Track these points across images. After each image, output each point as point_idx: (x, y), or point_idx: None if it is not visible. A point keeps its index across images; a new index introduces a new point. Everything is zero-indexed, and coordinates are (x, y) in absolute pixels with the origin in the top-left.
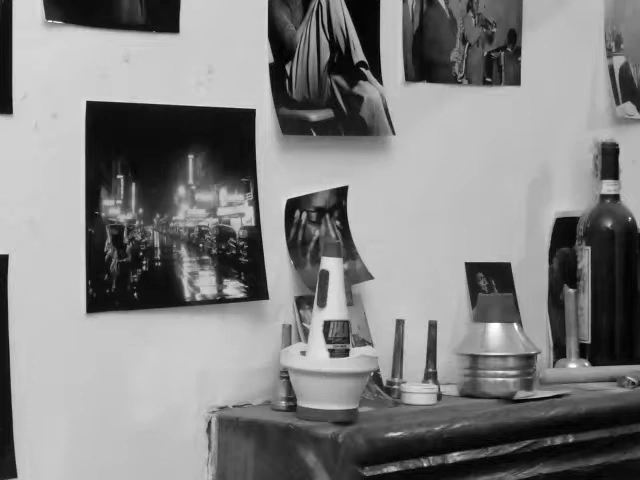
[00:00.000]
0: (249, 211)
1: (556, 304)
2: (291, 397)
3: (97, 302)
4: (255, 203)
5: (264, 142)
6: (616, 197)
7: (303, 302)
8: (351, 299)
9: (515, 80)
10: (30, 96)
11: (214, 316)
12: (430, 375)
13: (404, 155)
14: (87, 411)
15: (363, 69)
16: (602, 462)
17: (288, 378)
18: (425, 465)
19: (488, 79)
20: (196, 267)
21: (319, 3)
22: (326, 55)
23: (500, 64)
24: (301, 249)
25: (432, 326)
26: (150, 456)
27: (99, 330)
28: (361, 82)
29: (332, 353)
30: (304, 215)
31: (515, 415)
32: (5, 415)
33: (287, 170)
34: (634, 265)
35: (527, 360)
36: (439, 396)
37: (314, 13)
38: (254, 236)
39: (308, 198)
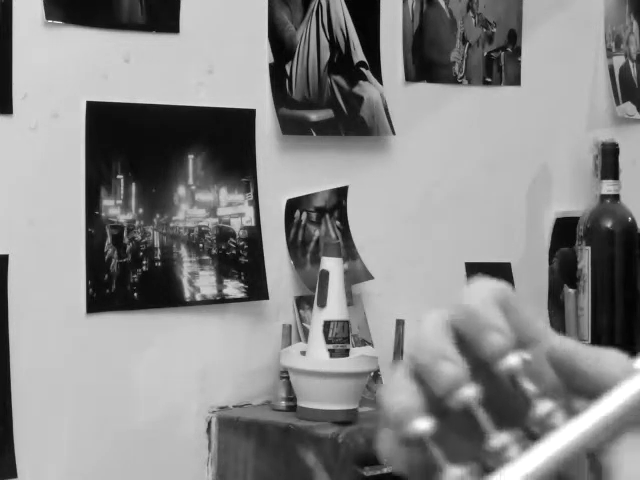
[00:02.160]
0: (249, 211)
1: (556, 304)
2: (291, 397)
3: (97, 302)
4: (255, 203)
5: (264, 142)
6: (616, 197)
7: (303, 302)
8: (351, 299)
9: (515, 80)
10: (30, 96)
11: (214, 316)
12: None
13: (404, 155)
14: (87, 411)
15: (363, 69)
16: None
17: (288, 378)
18: None
19: (488, 79)
20: (196, 267)
21: (319, 3)
22: (326, 55)
23: (500, 64)
24: (301, 249)
25: None
26: (150, 456)
27: (99, 330)
28: (361, 82)
29: (332, 353)
30: (304, 215)
31: None
32: (5, 415)
33: (287, 170)
34: (634, 265)
35: None
36: None
37: (314, 13)
38: (254, 236)
39: (308, 198)
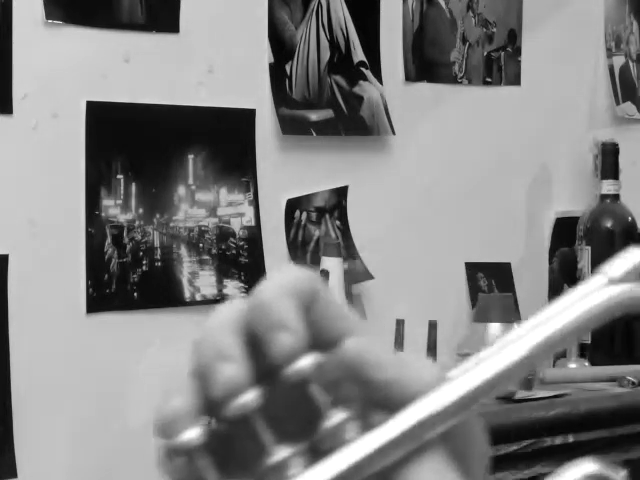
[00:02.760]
0: (249, 211)
1: None
2: None
3: (97, 302)
4: (255, 203)
5: (264, 142)
6: (616, 197)
7: None
8: (351, 299)
9: (515, 80)
10: (30, 96)
11: None
12: None
13: (404, 155)
14: (87, 411)
15: (363, 69)
16: None
17: None
18: None
19: (488, 79)
20: (196, 267)
21: (319, 3)
22: (326, 55)
23: (500, 64)
24: (301, 249)
25: (432, 326)
26: (150, 456)
27: (99, 330)
28: (361, 82)
29: None
30: (304, 215)
31: (515, 415)
32: (5, 415)
33: (287, 170)
34: None
35: None
36: None
37: (314, 13)
38: (254, 236)
39: (308, 198)
